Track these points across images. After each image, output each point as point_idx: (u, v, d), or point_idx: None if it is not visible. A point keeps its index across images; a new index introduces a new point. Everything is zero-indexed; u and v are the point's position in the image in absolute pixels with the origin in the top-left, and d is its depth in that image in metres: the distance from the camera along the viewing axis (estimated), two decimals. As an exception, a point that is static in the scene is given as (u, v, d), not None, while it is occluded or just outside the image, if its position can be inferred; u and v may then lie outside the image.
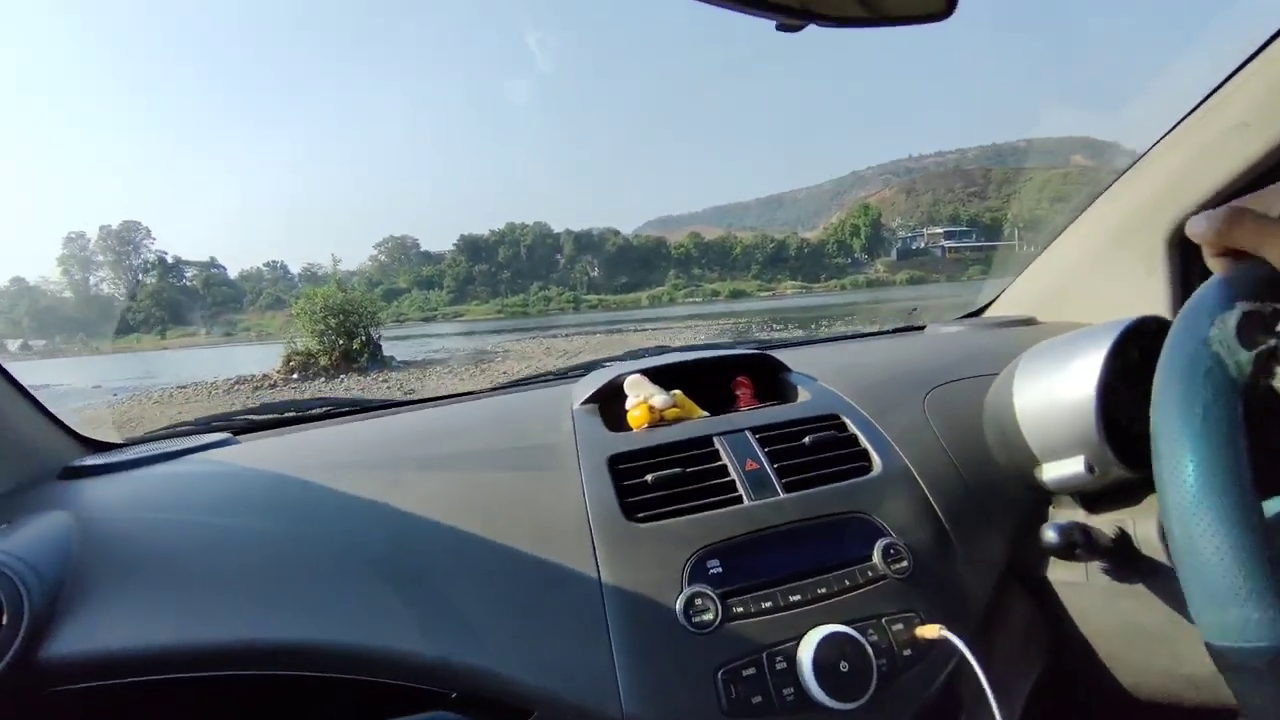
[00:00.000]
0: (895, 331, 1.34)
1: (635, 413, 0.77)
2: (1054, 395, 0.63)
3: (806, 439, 0.71)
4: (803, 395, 0.83)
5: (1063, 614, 0.65)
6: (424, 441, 0.81)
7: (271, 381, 12.38)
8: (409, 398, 1.08)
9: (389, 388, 10.85)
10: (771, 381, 0.91)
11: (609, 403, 0.82)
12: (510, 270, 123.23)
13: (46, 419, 0.83)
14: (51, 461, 0.79)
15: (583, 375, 0.98)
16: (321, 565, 0.59)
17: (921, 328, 1.30)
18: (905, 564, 0.60)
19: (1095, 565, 0.61)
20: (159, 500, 0.70)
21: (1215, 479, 0.34)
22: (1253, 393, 0.37)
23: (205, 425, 0.95)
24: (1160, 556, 0.56)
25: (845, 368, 0.93)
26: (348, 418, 0.98)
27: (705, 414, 0.80)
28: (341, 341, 13.53)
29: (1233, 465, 0.34)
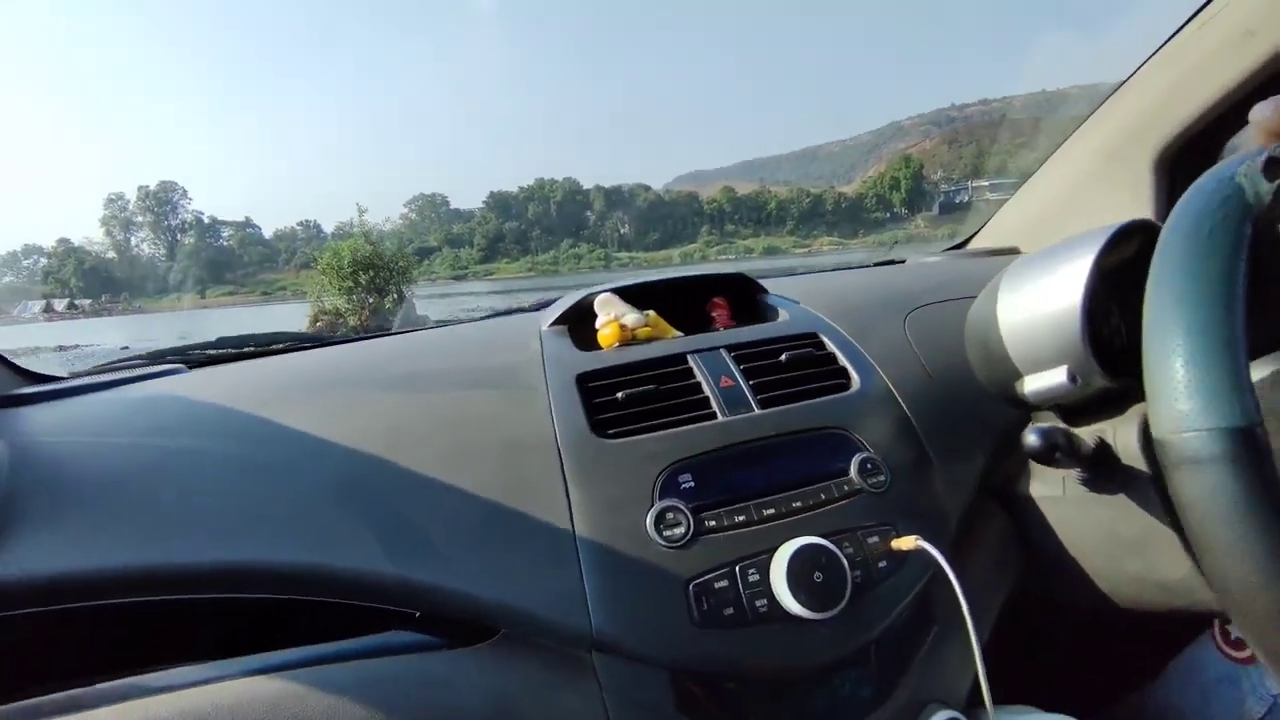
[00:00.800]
0: (876, 265, 1.31)
1: (605, 331, 0.75)
2: (1038, 305, 0.63)
3: (783, 356, 0.71)
4: (781, 316, 0.82)
5: (1039, 528, 0.66)
6: (384, 365, 0.79)
7: (298, 343, 11.68)
8: (371, 333, 1.04)
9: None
10: (750, 304, 0.90)
11: (580, 325, 0.79)
12: (540, 227, 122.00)
13: None
14: None
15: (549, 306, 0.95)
16: (276, 486, 0.59)
17: (902, 261, 1.27)
18: (882, 478, 0.61)
19: (1072, 477, 0.62)
20: (99, 425, 0.68)
21: (1205, 283, 0.34)
22: (1268, 227, 0.37)
23: (158, 357, 0.91)
24: (1139, 464, 0.57)
25: (824, 291, 0.91)
26: (307, 351, 0.94)
27: (679, 334, 0.78)
28: (371, 299, 12.66)
29: (1225, 276, 0.34)
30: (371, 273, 12.62)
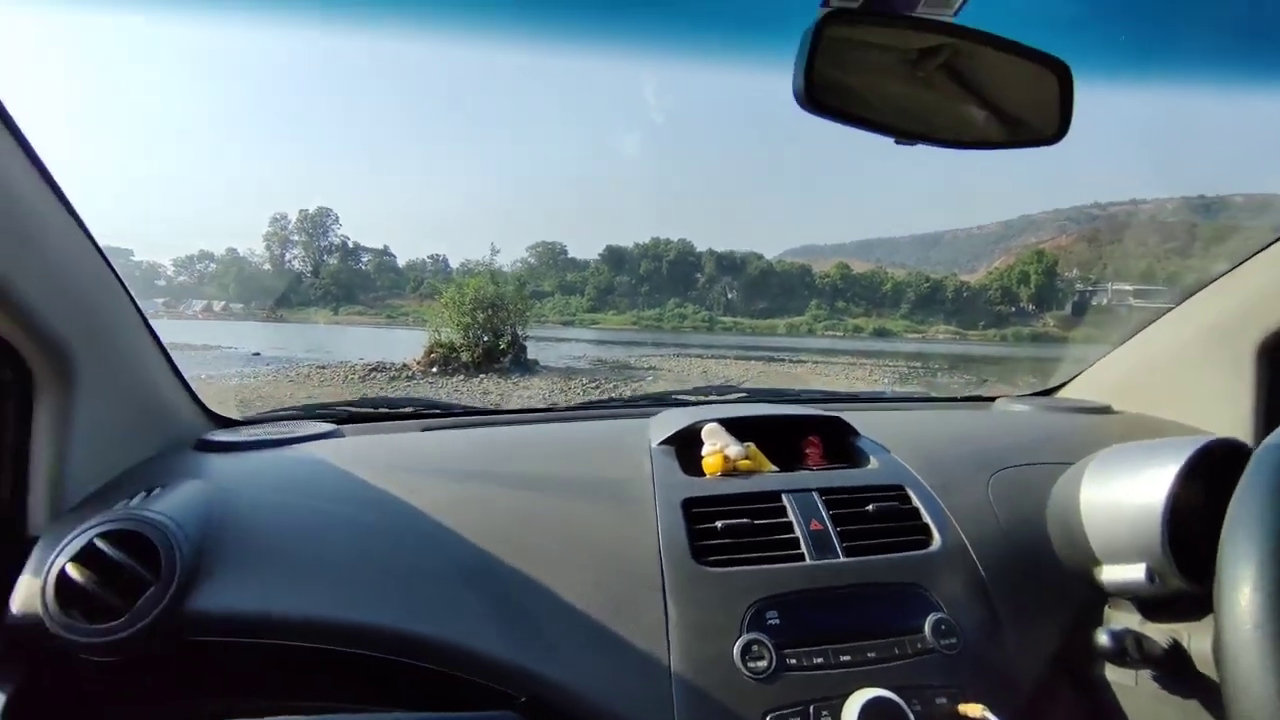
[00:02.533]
0: (964, 400, 1.35)
1: (710, 460, 0.81)
2: (1122, 499, 0.63)
3: (870, 506, 0.74)
4: (871, 463, 0.85)
5: (1111, 714, 0.64)
6: (510, 459, 0.86)
7: (410, 373, 11.82)
8: (491, 407, 1.09)
9: (529, 396, 9.70)
10: (841, 442, 0.93)
11: (684, 445, 0.86)
12: (649, 284, 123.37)
13: (186, 392, 0.90)
14: (186, 433, 0.86)
15: (650, 406, 1.07)
16: (415, 561, 0.64)
17: (991, 400, 1.29)
18: (954, 640, 0.61)
19: (1146, 672, 0.61)
20: (278, 482, 0.77)
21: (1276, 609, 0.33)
22: None
23: (310, 412, 1.05)
24: (1213, 674, 0.56)
25: (913, 438, 0.94)
26: (437, 422, 1.05)
27: (774, 468, 0.83)
28: (487, 338, 12.64)
29: None
30: (490, 312, 12.69)
